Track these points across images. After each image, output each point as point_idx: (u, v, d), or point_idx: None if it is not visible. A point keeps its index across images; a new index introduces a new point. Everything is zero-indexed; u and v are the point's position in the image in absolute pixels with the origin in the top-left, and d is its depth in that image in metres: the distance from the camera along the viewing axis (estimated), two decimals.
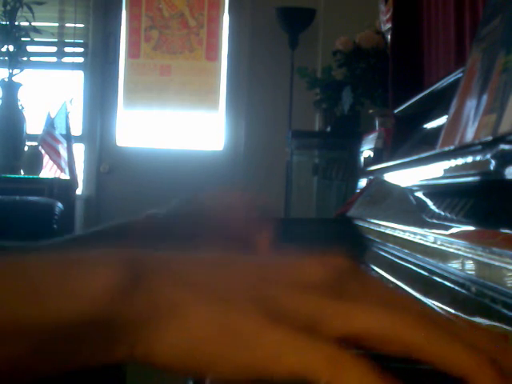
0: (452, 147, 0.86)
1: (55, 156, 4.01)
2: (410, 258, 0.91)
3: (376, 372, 0.33)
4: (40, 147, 4.02)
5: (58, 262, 0.37)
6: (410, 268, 0.89)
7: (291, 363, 0.34)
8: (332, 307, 0.36)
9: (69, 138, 4.03)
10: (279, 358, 0.34)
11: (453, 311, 0.69)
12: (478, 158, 0.73)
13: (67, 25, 4.50)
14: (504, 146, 0.67)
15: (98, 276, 0.36)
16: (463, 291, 0.68)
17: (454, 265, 0.72)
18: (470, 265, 0.67)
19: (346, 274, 0.39)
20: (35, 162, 4.00)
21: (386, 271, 1.05)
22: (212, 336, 0.35)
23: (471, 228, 0.72)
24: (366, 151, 2.36)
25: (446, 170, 0.86)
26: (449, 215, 0.80)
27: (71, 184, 3.99)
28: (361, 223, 1.33)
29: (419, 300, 0.40)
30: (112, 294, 0.35)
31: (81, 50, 4.53)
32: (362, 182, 1.70)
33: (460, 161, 0.80)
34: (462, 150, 0.81)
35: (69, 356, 0.36)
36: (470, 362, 0.34)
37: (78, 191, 4.22)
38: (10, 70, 3.89)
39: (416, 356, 0.35)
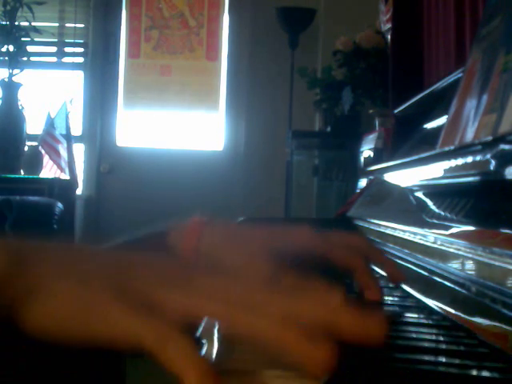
0: (452, 147, 0.86)
1: (55, 156, 4.01)
2: (410, 258, 0.91)
3: (198, 351, 0.40)
4: (40, 147, 4.02)
5: None
6: (410, 268, 0.89)
7: (127, 334, 0.40)
8: (172, 291, 0.42)
9: (69, 138, 4.03)
10: (117, 328, 0.40)
11: (453, 311, 0.69)
12: (478, 158, 0.73)
13: (67, 25, 4.50)
14: (504, 146, 0.67)
15: None
16: (463, 291, 0.68)
17: (454, 265, 0.72)
18: (469, 265, 0.67)
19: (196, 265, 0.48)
20: (35, 162, 4.00)
21: None
22: (68, 309, 0.42)
23: (471, 228, 0.72)
24: (366, 151, 2.36)
25: (445, 170, 0.86)
26: (449, 215, 0.80)
27: (71, 184, 3.99)
28: (361, 223, 1.33)
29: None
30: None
31: (81, 49, 4.53)
32: (362, 182, 1.70)
33: (460, 161, 0.80)
34: (462, 150, 0.81)
35: None
36: (274, 329, 0.39)
37: (78, 191, 4.22)
38: (10, 70, 3.89)
39: (241, 337, 0.41)
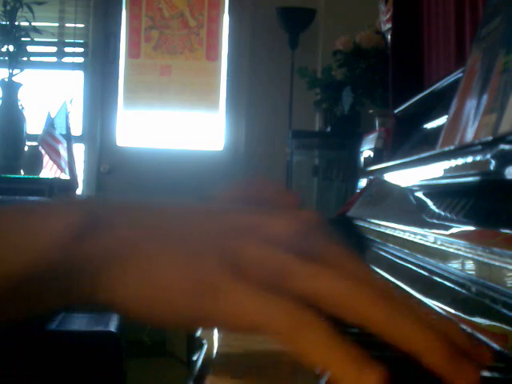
0: (452, 147, 0.86)
1: (55, 156, 4.00)
2: (410, 258, 0.91)
3: (336, 333, 0.33)
4: (40, 147, 4.02)
5: (13, 212, 0.36)
6: (410, 268, 0.89)
7: (252, 318, 0.33)
8: (297, 265, 0.35)
9: (69, 137, 4.03)
10: (241, 312, 0.33)
11: (453, 311, 0.69)
12: (478, 157, 0.73)
13: (67, 25, 4.50)
14: (504, 146, 0.67)
15: (53, 223, 0.35)
16: (463, 291, 0.68)
17: (454, 265, 0.72)
18: (469, 265, 0.67)
19: (314, 229, 0.38)
20: (35, 162, 4.00)
21: (386, 271, 1.05)
22: (175, 284, 0.34)
23: (471, 228, 0.72)
24: (366, 151, 2.36)
25: (445, 170, 0.86)
26: (449, 215, 0.80)
27: (71, 184, 3.99)
28: (361, 223, 1.33)
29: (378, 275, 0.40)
30: (66, 238, 0.34)
31: (81, 49, 4.53)
32: (362, 182, 1.70)
33: (460, 161, 0.80)
34: (462, 149, 0.81)
35: (28, 302, 0.36)
36: (423, 338, 0.34)
37: (78, 191, 4.22)
38: (10, 70, 3.89)
39: (372, 330, 0.35)
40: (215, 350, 0.52)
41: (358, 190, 1.69)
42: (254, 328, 0.33)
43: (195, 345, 0.54)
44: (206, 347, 0.52)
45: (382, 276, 1.05)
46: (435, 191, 0.95)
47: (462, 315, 0.66)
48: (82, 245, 0.35)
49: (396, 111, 1.76)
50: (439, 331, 0.35)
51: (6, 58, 3.88)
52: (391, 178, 1.30)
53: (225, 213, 0.38)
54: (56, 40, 4.44)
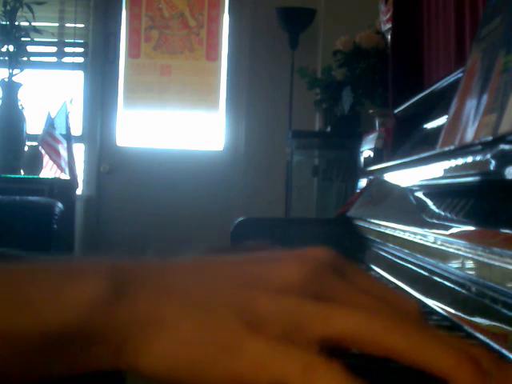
0: (452, 147, 0.86)
1: (55, 156, 4.00)
2: (410, 258, 0.91)
3: (351, 378, 0.34)
4: (40, 147, 4.02)
5: (44, 272, 0.37)
6: (410, 268, 0.89)
7: (271, 372, 0.34)
8: (310, 310, 0.36)
9: (69, 137, 4.03)
10: (260, 367, 0.35)
11: (453, 311, 0.69)
12: (478, 157, 0.73)
13: (67, 25, 4.50)
14: (504, 146, 0.67)
15: (81, 286, 0.36)
16: (463, 291, 0.68)
17: (454, 265, 0.72)
18: (470, 265, 0.67)
19: (326, 268, 0.39)
20: (35, 162, 4.00)
21: (386, 271, 1.05)
22: (196, 344, 0.35)
23: (471, 228, 0.72)
24: (366, 151, 2.36)
25: (445, 170, 0.86)
26: (449, 215, 0.80)
27: (71, 184, 3.99)
28: (361, 223, 1.33)
29: (403, 292, 0.39)
30: (94, 304, 0.36)
31: (81, 49, 4.53)
32: (362, 182, 1.70)
33: (460, 161, 0.80)
34: (462, 149, 0.81)
35: (53, 364, 0.36)
36: (451, 361, 0.35)
37: (78, 191, 4.22)
38: (10, 70, 3.89)
39: (396, 358, 0.35)
40: None
41: (358, 190, 1.69)
42: (272, 381, 0.34)
43: None
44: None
45: (382, 276, 1.05)
46: (435, 191, 0.95)
47: (462, 315, 0.66)
48: (106, 312, 0.36)
49: (396, 111, 1.76)
50: (467, 352, 0.35)
51: (6, 58, 3.88)
52: (391, 178, 1.30)
53: (235, 265, 0.40)
54: (56, 40, 4.44)
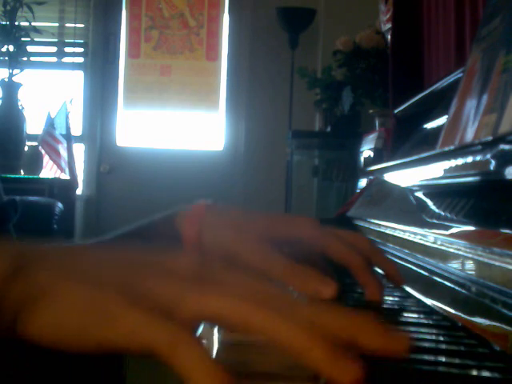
0: (452, 147, 0.86)
1: (55, 156, 4.01)
2: (410, 258, 0.91)
3: (211, 356, 0.37)
4: (40, 147, 4.02)
5: None
6: (410, 268, 0.89)
7: (141, 340, 0.37)
8: (187, 291, 0.40)
9: (69, 137, 4.03)
10: (131, 335, 0.38)
11: (453, 311, 0.69)
12: (478, 157, 0.73)
13: (67, 25, 4.50)
14: (504, 146, 0.67)
15: None
16: (463, 291, 0.68)
17: (454, 265, 0.72)
18: (470, 265, 0.67)
19: (216, 260, 0.44)
20: (35, 162, 4.00)
21: None
22: (78, 314, 0.39)
23: (471, 228, 0.72)
24: (366, 151, 2.36)
25: (445, 170, 0.86)
26: (449, 215, 0.80)
27: (71, 184, 3.99)
28: (361, 223, 1.33)
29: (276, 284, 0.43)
30: None
31: (81, 50, 4.53)
32: (362, 182, 1.70)
33: (460, 161, 0.80)
34: (462, 149, 0.81)
35: None
36: (302, 338, 0.37)
37: (78, 191, 4.23)
38: (10, 70, 3.89)
39: (256, 335, 0.38)
40: (215, 350, 0.52)
41: (358, 190, 1.69)
42: (142, 349, 0.38)
43: None
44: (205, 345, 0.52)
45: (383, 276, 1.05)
46: (435, 191, 0.95)
47: (462, 315, 0.66)
48: (4, 287, 0.41)
49: (396, 111, 1.76)
50: (320, 330, 0.38)
51: (6, 58, 3.89)
52: (391, 178, 1.30)
53: (131, 253, 0.45)
54: (56, 40, 4.44)
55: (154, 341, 0.37)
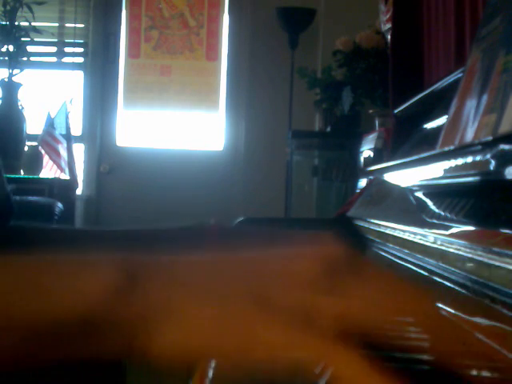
0: (452, 147, 0.86)
1: (55, 156, 4.00)
2: (409, 258, 0.91)
3: (368, 364, 0.35)
4: (40, 147, 4.02)
5: (62, 264, 0.39)
6: (410, 268, 0.89)
7: (285, 359, 0.35)
8: (323, 305, 0.37)
9: (69, 138, 4.03)
10: (273, 355, 0.35)
11: (453, 311, 0.69)
12: (478, 157, 0.73)
13: (67, 25, 4.50)
14: (504, 146, 0.67)
15: (97, 278, 0.38)
16: (463, 291, 0.68)
17: (454, 265, 0.72)
18: (470, 265, 0.67)
19: (338, 263, 0.40)
20: (35, 162, 4.00)
21: None
22: (208, 334, 0.36)
23: (471, 228, 0.72)
24: (366, 151, 2.36)
25: (445, 170, 0.86)
26: (449, 215, 0.80)
27: (71, 184, 3.99)
28: (361, 223, 1.32)
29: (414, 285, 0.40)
30: (107, 293, 0.37)
31: (81, 50, 4.53)
32: (362, 182, 1.70)
33: (460, 161, 0.80)
34: (462, 149, 0.81)
35: (69, 349, 0.38)
36: None
37: (78, 191, 4.22)
38: (10, 70, 3.89)
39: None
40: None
41: (358, 190, 1.69)
42: (287, 368, 0.35)
43: None
44: None
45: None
46: (435, 191, 0.95)
47: (462, 315, 0.66)
48: (119, 300, 0.37)
49: (396, 111, 1.76)
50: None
51: (6, 58, 3.88)
52: (391, 177, 1.30)
53: (245, 263, 0.41)
54: (56, 40, 4.44)
55: (301, 359, 0.35)
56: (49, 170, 4.07)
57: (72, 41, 4.50)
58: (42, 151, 4.03)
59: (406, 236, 0.95)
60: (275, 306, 0.36)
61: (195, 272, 0.39)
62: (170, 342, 0.36)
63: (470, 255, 0.67)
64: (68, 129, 4.04)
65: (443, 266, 0.76)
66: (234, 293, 0.37)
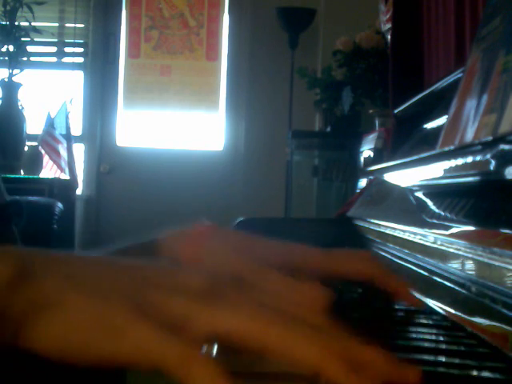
0: (452, 147, 0.86)
1: (55, 156, 4.00)
2: (410, 258, 0.91)
3: (224, 376, 0.36)
4: (40, 147, 4.02)
5: None
6: (410, 268, 0.89)
7: (151, 357, 0.37)
8: (198, 308, 0.39)
9: (69, 137, 4.03)
10: (141, 351, 0.37)
11: (453, 311, 0.69)
12: (478, 157, 0.73)
13: (67, 25, 4.50)
14: (504, 146, 0.67)
15: None
16: (463, 291, 0.68)
17: (454, 265, 0.72)
18: (470, 265, 0.67)
19: (225, 281, 0.43)
20: (35, 162, 4.00)
21: None
22: (85, 327, 0.38)
23: (471, 228, 0.72)
24: (366, 151, 2.36)
25: (445, 170, 0.86)
26: (449, 215, 0.80)
27: (71, 184, 3.99)
28: (361, 223, 1.33)
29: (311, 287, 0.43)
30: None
31: (81, 50, 4.53)
32: (362, 182, 1.70)
33: (460, 161, 0.80)
34: (462, 150, 0.81)
35: None
36: (314, 359, 0.37)
37: (78, 191, 4.22)
38: (10, 70, 3.89)
39: (273, 356, 0.38)
40: (215, 350, 0.52)
41: (358, 190, 1.69)
42: (151, 365, 0.37)
43: None
44: (205, 348, 0.52)
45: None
46: (435, 191, 0.95)
47: (462, 315, 0.66)
48: (10, 293, 0.39)
49: (396, 111, 1.76)
50: (334, 347, 0.38)
51: (6, 58, 3.88)
52: (391, 178, 1.30)
53: (140, 266, 0.44)
54: (56, 40, 4.44)
55: (164, 357, 0.36)
56: (49, 170, 4.07)
57: (72, 41, 4.50)
58: (42, 151, 4.03)
59: (405, 236, 0.95)
60: (151, 307, 0.39)
61: (85, 269, 0.42)
62: (47, 333, 0.38)
63: (470, 255, 0.67)
64: (68, 129, 4.04)
65: (443, 266, 0.76)
66: (115, 292, 0.40)
